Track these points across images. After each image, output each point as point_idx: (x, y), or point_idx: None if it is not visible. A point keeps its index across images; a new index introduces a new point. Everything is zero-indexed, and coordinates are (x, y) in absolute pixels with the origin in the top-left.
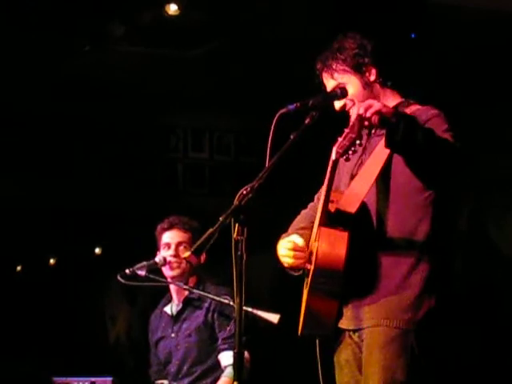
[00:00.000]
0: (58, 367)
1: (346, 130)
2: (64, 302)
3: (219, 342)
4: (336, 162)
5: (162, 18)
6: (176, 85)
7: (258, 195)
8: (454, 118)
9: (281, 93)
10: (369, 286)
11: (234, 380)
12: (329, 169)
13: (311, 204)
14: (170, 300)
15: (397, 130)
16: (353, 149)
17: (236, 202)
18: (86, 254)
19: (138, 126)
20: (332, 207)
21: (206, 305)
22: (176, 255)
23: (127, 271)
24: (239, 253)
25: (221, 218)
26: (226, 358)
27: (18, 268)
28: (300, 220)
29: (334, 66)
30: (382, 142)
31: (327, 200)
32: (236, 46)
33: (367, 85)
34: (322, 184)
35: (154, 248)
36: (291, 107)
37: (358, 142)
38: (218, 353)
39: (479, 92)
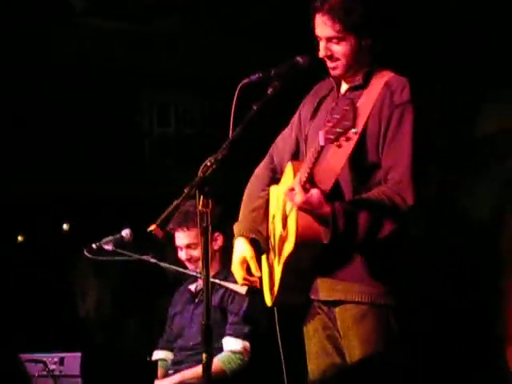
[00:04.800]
0: (26, 344)
1: (336, 116)
2: (33, 278)
3: (227, 326)
4: (323, 148)
5: None
6: (140, 60)
7: (222, 166)
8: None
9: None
10: (338, 258)
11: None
12: (314, 154)
13: (264, 164)
14: (196, 278)
15: (335, 231)
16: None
17: (200, 173)
18: (53, 230)
19: (103, 103)
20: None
21: (223, 288)
22: (189, 258)
23: (94, 246)
24: (205, 224)
25: (185, 190)
26: (227, 343)
27: None
28: (251, 194)
29: (336, 17)
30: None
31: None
32: (200, 19)
33: (360, 48)
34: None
35: (122, 223)
36: (253, 77)
37: (353, 130)
38: (223, 336)
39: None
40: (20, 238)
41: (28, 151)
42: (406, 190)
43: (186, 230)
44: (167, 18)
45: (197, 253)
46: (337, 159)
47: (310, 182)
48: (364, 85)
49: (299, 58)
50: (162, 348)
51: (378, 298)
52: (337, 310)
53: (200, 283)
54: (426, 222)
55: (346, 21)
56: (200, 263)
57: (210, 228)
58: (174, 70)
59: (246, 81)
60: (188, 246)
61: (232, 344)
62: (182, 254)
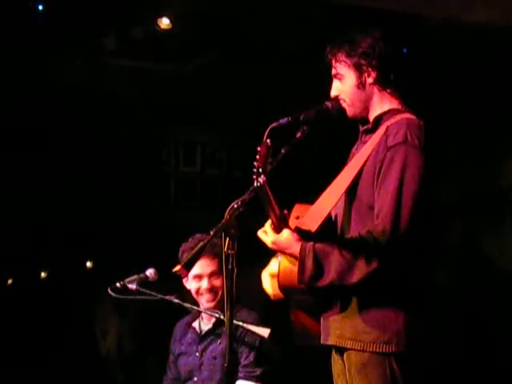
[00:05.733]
0: (49, 382)
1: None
2: (55, 315)
3: (239, 368)
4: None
5: (155, 32)
6: (170, 99)
7: (250, 209)
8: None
9: (274, 106)
10: (331, 300)
11: None
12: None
13: None
14: (197, 316)
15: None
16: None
17: (227, 216)
18: (77, 267)
19: (131, 139)
20: (294, 223)
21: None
22: (211, 288)
23: (118, 284)
24: (230, 267)
25: (212, 232)
26: None
27: (9, 281)
28: None
29: (338, 55)
30: (360, 152)
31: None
32: (228, 60)
33: (362, 85)
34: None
35: (145, 262)
36: (282, 121)
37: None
38: (236, 380)
39: (470, 106)
40: (43, 275)
41: (53, 185)
42: (382, 228)
43: (211, 257)
44: (199, 58)
45: (219, 283)
46: (327, 201)
47: (283, 222)
48: (373, 129)
49: (328, 103)
50: None
51: (379, 347)
52: (344, 356)
53: (206, 322)
54: (450, 271)
55: (345, 55)
56: (209, 298)
57: (235, 271)
58: (202, 109)
59: (275, 124)
60: (211, 275)
61: None
62: (204, 284)
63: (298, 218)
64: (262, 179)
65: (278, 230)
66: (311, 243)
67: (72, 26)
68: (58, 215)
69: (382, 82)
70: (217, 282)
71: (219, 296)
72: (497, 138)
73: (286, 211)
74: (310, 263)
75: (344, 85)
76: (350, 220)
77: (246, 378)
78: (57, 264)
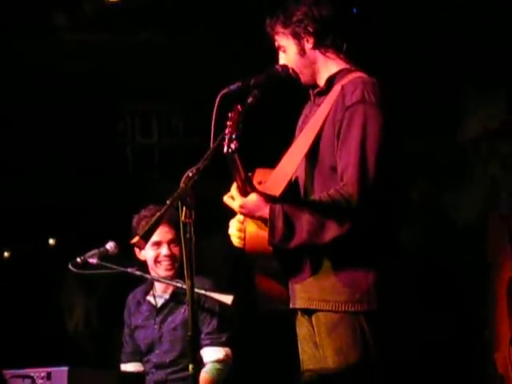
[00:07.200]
0: (13, 360)
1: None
2: (20, 294)
3: (202, 336)
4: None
5: (104, 5)
6: (123, 71)
7: (205, 176)
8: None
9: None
10: (301, 262)
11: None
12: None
13: None
14: (150, 288)
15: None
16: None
17: (182, 184)
18: (39, 245)
19: (86, 114)
20: (258, 188)
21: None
22: (171, 255)
23: (78, 260)
24: (188, 235)
25: (168, 202)
26: (207, 353)
27: None
28: None
29: (275, 27)
30: (316, 114)
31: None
32: (179, 29)
33: (303, 51)
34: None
35: (106, 236)
36: (233, 87)
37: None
38: (200, 348)
39: (427, 64)
40: (6, 254)
41: (11, 165)
42: (352, 192)
43: (170, 225)
44: (151, 30)
45: (177, 251)
46: (289, 164)
47: (249, 186)
48: (327, 90)
49: (278, 67)
50: (129, 361)
51: (350, 306)
52: (313, 318)
53: (161, 294)
54: (410, 228)
55: (281, 25)
56: (168, 266)
57: (193, 239)
58: (156, 81)
59: (225, 90)
60: (170, 242)
61: (213, 354)
62: (163, 250)
63: (260, 183)
64: (234, 145)
65: (244, 194)
66: (280, 205)
67: (22, 4)
68: (17, 194)
69: (323, 46)
70: (175, 250)
71: (177, 265)
72: (456, 93)
73: (250, 174)
74: (280, 224)
75: (288, 55)
76: (313, 182)
77: (212, 345)
78: (19, 243)
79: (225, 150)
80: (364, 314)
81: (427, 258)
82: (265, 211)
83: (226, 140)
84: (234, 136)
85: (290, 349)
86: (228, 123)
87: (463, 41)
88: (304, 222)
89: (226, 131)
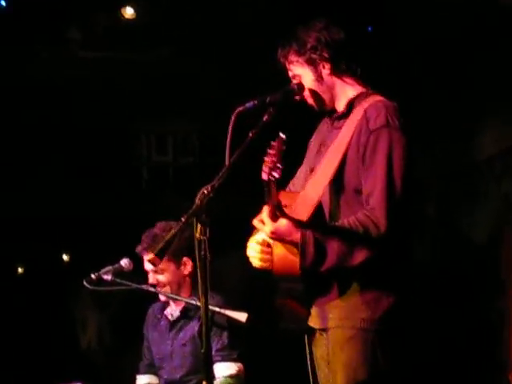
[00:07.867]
0: (28, 376)
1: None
2: (34, 311)
3: (213, 353)
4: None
5: (119, 22)
6: (137, 88)
7: (221, 194)
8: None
9: (242, 91)
10: (328, 285)
11: None
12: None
13: None
14: (167, 303)
15: (304, 257)
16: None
17: (197, 201)
18: (53, 261)
19: (102, 131)
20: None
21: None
22: (158, 284)
23: (93, 276)
24: (202, 253)
25: (183, 219)
26: (220, 369)
27: None
28: None
29: (289, 56)
30: (339, 137)
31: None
32: (194, 48)
33: (320, 78)
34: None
35: (121, 252)
36: (249, 105)
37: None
38: (212, 364)
39: (440, 83)
40: (20, 270)
41: (25, 180)
42: (380, 217)
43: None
44: (164, 47)
45: (162, 278)
46: (314, 188)
47: (279, 211)
48: (347, 113)
49: (294, 85)
50: (145, 372)
51: (368, 324)
52: (330, 335)
53: (174, 308)
54: (424, 246)
55: (296, 54)
56: (169, 288)
57: (208, 256)
58: (171, 99)
59: (240, 108)
60: (155, 271)
61: (226, 369)
62: (150, 278)
63: (285, 206)
64: (277, 174)
65: (273, 218)
66: (311, 231)
67: (36, 19)
68: (32, 210)
69: (339, 70)
70: (160, 277)
71: (170, 287)
72: (470, 112)
73: (280, 200)
74: (311, 249)
75: (305, 83)
76: (339, 205)
77: (224, 361)
78: (33, 259)
79: (264, 176)
80: (378, 332)
81: (442, 272)
82: (295, 236)
83: (267, 167)
84: (278, 165)
85: (301, 367)
86: (270, 151)
87: (477, 60)
88: (334, 247)
89: (267, 159)
